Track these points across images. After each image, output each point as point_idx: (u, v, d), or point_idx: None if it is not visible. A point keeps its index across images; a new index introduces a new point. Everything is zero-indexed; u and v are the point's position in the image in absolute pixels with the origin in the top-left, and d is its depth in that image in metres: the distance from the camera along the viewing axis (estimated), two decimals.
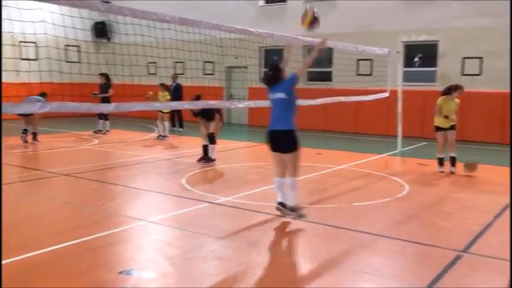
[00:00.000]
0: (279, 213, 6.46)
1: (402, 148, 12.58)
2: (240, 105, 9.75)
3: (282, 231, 5.79)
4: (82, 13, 6.39)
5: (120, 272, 4.35)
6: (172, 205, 7.00)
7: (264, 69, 19.28)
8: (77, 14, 6.41)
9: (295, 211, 6.00)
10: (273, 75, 5.98)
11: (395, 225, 6.16)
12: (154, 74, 18.94)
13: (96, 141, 13.69)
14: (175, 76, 16.89)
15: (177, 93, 16.07)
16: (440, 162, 9.64)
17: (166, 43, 7.12)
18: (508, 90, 13.94)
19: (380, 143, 13.92)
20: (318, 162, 10.67)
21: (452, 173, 9.48)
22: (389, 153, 12.14)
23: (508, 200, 7.36)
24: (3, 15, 6.56)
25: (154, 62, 18.04)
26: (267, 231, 5.75)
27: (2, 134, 10.73)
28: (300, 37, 9.33)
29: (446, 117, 9.48)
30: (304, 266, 4.69)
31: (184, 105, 8.82)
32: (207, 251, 5.06)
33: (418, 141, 14.17)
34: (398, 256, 5.06)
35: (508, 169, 10.28)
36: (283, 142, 5.88)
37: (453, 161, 9.60)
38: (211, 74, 18.31)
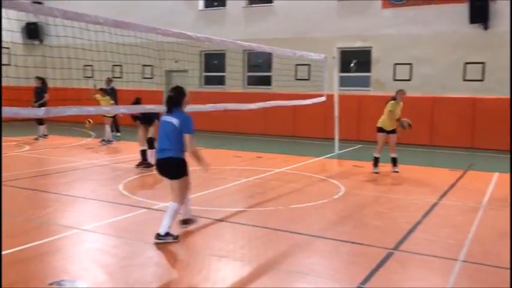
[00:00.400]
0: (218, 217, 6.49)
1: (339, 151, 12.96)
2: None
3: (220, 235, 5.80)
4: (10, 14, 6.11)
5: (51, 284, 4.19)
6: (109, 212, 6.82)
7: (204, 73, 19.26)
8: (4, 15, 6.12)
9: (165, 237, 5.36)
10: (174, 97, 5.54)
11: (331, 225, 6.34)
12: (91, 77, 18.40)
13: (27, 147, 13.07)
14: (109, 80, 16.45)
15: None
16: (376, 162, 10.06)
17: (100, 46, 6.94)
18: (437, 95, 14.74)
19: (318, 146, 14.26)
20: (258, 165, 10.78)
21: (395, 172, 10.00)
22: (327, 156, 12.47)
23: (435, 199, 7.79)
24: None
25: (91, 65, 17.51)
26: (206, 236, 5.75)
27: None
28: (238, 42, 9.42)
29: (398, 120, 9.96)
30: (243, 269, 4.72)
31: (120, 109, 8.61)
32: (143, 258, 4.98)
33: (354, 144, 14.66)
34: (333, 256, 5.21)
35: (432, 169, 10.88)
36: (170, 169, 5.45)
37: (394, 161, 10.15)
38: (150, 78, 18.02)
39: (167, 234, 5.36)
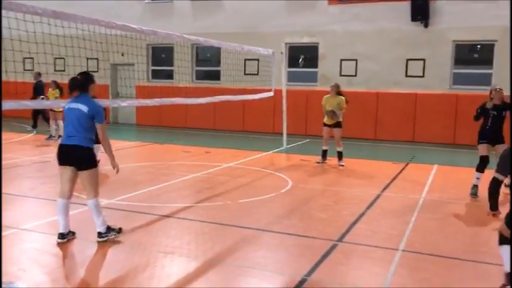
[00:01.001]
0: (164, 213, 6.41)
1: (287, 145, 13.12)
2: (123, 104, 9.42)
3: (166, 231, 5.73)
4: None
5: None
6: (49, 211, 6.55)
7: (152, 67, 18.92)
8: None
9: (108, 233, 5.22)
10: (81, 81, 5.22)
11: (278, 219, 6.41)
12: (31, 70, 17.62)
13: None
14: (38, 74, 15.70)
15: (37, 91, 14.91)
16: (323, 153, 10.56)
17: (39, 37, 6.65)
18: (381, 90, 15.20)
19: (267, 141, 14.37)
20: (207, 160, 10.73)
21: (341, 165, 10.28)
22: (275, 150, 12.59)
23: (378, 191, 8.04)
24: None
25: (31, 58, 16.76)
26: (151, 233, 5.66)
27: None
28: (185, 35, 9.30)
29: (329, 112, 10.21)
30: (189, 265, 4.70)
31: (45, 103, 8.28)
32: (85, 256, 4.85)
33: (302, 139, 14.87)
34: (279, 249, 5.28)
35: (376, 162, 11.24)
36: (77, 158, 5.08)
37: (339, 155, 10.45)
38: (95, 71, 17.50)
39: (108, 229, 5.23)
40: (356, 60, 15.63)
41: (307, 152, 12.21)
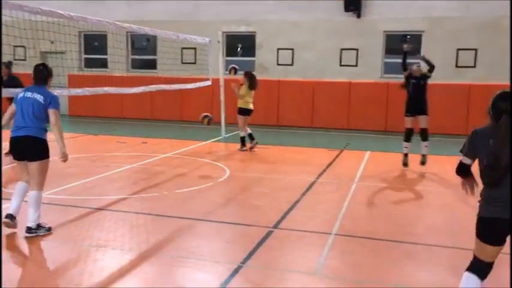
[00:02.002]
0: (98, 205, 6.25)
1: (226, 134, 13.12)
2: (53, 93, 8.99)
3: (99, 224, 5.58)
4: None
5: None
6: None
7: (84, 55, 18.22)
8: None
9: (37, 230, 5.02)
10: (44, 72, 5.25)
11: (215, 208, 6.42)
12: None
13: None
14: None
15: None
16: (242, 140, 10.92)
17: None
18: (317, 79, 15.51)
19: (205, 130, 14.25)
20: (143, 151, 10.53)
21: (251, 148, 10.76)
22: (214, 139, 12.56)
23: (313, 178, 8.24)
24: None
25: None
26: (82, 226, 5.49)
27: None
28: (117, 23, 9.02)
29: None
30: (123, 258, 4.61)
31: None
32: (12, 252, 4.62)
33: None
34: (215, 238, 5.30)
35: (312, 150, 11.50)
36: (31, 149, 5.02)
37: (252, 137, 10.85)
38: (23, 60, 16.60)
39: (39, 226, 5.03)
40: (292, 49, 15.84)
41: (246, 141, 12.26)
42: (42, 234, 5.04)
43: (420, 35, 14.82)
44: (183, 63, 16.38)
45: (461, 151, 3.50)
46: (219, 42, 13.21)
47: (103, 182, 7.66)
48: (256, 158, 10.18)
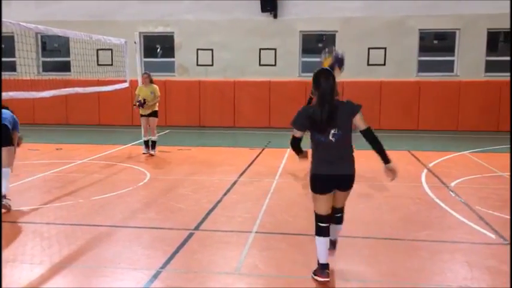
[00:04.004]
0: (6, 219, 5.86)
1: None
2: None
3: (8, 238, 5.21)
4: None
5: None
6: None
7: None
8: None
9: None
10: None
11: (134, 214, 6.26)
12: None
13: None
14: None
15: None
16: (146, 144, 10.56)
17: None
18: (237, 79, 15.61)
19: (125, 134, 13.89)
20: (58, 158, 10.04)
21: (151, 155, 10.37)
22: (134, 143, 12.24)
23: (235, 177, 8.29)
24: None
25: None
26: None
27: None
28: (22, 23, 8.49)
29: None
30: (32, 272, 4.34)
31: None
32: None
33: (162, 130, 14.64)
34: (134, 244, 5.15)
35: (234, 149, 11.56)
36: None
37: (153, 144, 10.54)
38: None
39: None
40: (212, 49, 15.82)
41: (166, 143, 12.10)
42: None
43: (334, 35, 15.39)
44: (99, 65, 15.78)
45: (294, 127, 4.10)
46: (135, 43, 12.85)
47: (11, 193, 7.18)
48: (178, 160, 10.06)
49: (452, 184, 7.81)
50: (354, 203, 6.27)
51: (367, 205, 6.70)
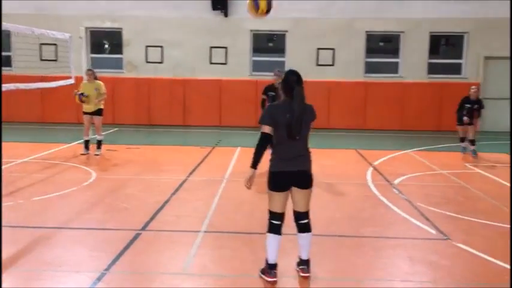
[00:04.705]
0: None
1: (93, 135, 12.44)
2: None
3: None
4: None
5: None
6: None
7: None
8: None
9: None
10: None
11: (79, 214, 6.05)
12: None
13: None
14: None
15: None
16: (86, 144, 10.13)
17: None
18: (187, 77, 15.45)
19: (70, 132, 13.42)
20: None
21: (96, 155, 9.97)
22: (80, 141, 11.82)
23: (184, 176, 8.20)
24: None
25: None
26: None
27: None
28: None
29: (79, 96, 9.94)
30: None
31: None
32: None
33: (110, 128, 14.29)
34: (77, 246, 4.99)
35: (184, 148, 11.45)
36: None
37: (99, 144, 10.15)
38: None
39: None
40: (162, 47, 15.57)
41: (114, 141, 11.80)
42: None
43: (284, 35, 15.53)
44: (42, 60, 15.20)
45: (260, 122, 4.12)
46: (81, 38, 12.48)
47: None
48: (126, 159, 9.83)
49: (396, 182, 8.07)
50: None
51: (315, 204, 6.74)
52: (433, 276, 4.42)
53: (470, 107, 10.34)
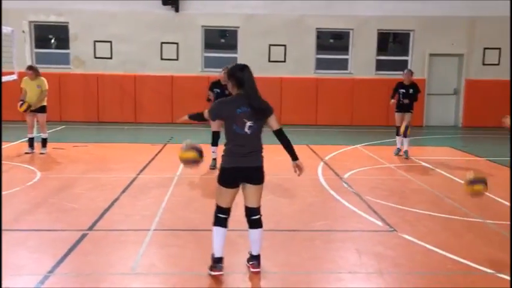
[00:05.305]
0: None
1: (38, 133, 11.98)
2: None
3: None
4: None
5: None
6: None
7: None
8: None
9: None
10: None
11: (21, 216, 5.82)
12: None
13: None
14: None
15: None
16: (30, 142, 9.82)
17: None
18: (138, 73, 15.16)
19: (13, 130, 12.86)
20: None
21: (42, 153, 9.66)
22: (23, 139, 11.35)
23: (134, 174, 8.04)
24: None
25: None
26: None
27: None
28: None
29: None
30: None
31: None
32: None
33: (57, 125, 13.82)
34: (19, 248, 4.79)
35: (135, 145, 11.23)
36: None
37: (43, 142, 9.83)
38: None
39: None
40: (111, 42, 15.19)
41: (60, 139, 11.42)
42: None
43: (236, 31, 15.51)
44: None
45: (210, 118, 4.27)
46: (24, 32, 11.98)
47: None
48: (73, 157, 9.54)
49: (346, 176, 8.25)
50: None
51: (266, 198, 6.82)
52: (378, 267, 4.54)
53: (405, 92, 9.95)
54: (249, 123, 4.05)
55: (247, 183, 4.17)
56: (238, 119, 4.03)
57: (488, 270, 4.45)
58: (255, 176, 4.18)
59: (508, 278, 4.29)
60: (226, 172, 4.16)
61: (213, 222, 4.23)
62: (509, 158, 4.96)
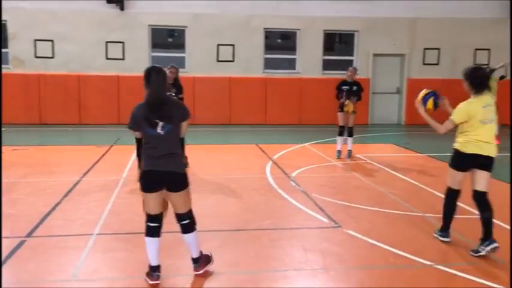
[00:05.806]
0: None
1: None
2: None
3: None
4: None
5: None
6: None
7: None
8: None
9: None
10: None
11: None
12: None
13: None
14: None
15: None
16: None
17: None
18: (82, 73, 14.70)
19: None
20: None
21: None
22: None
23: (78, 178, 7.78)
24: None
25: None
26: None
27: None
28: None
29: None
30: None
31: None
32: None
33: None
34: None
35: (79, 147, 10.89)
36: None
37: None
38: None
39: None
40: (52, 41, 14.65)
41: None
42: None
43: (184, 30, 15.35)
44: None
45: (130, 128, 4.15)
46: None
47: None
48: (12, 161, 9.08)
49: (294, 174, 8.34)
50: (200, 196, 6.34)
51: (214, 198, 6.82)
52: (324, 263, 4.62)
53: (349, 89, 9.90)
54: (161, 123, 3.93)
55: (167, 191, 4.02)
56: (150, 120, 3.93)
57: (428, 263, 4.62)
58: (174, 182, 4.01)
59: (447, 269, 4.47)
60: (144, 176, 4.03)
61: (144, 232, 4.10)
62: (449, 154, 5.15)
